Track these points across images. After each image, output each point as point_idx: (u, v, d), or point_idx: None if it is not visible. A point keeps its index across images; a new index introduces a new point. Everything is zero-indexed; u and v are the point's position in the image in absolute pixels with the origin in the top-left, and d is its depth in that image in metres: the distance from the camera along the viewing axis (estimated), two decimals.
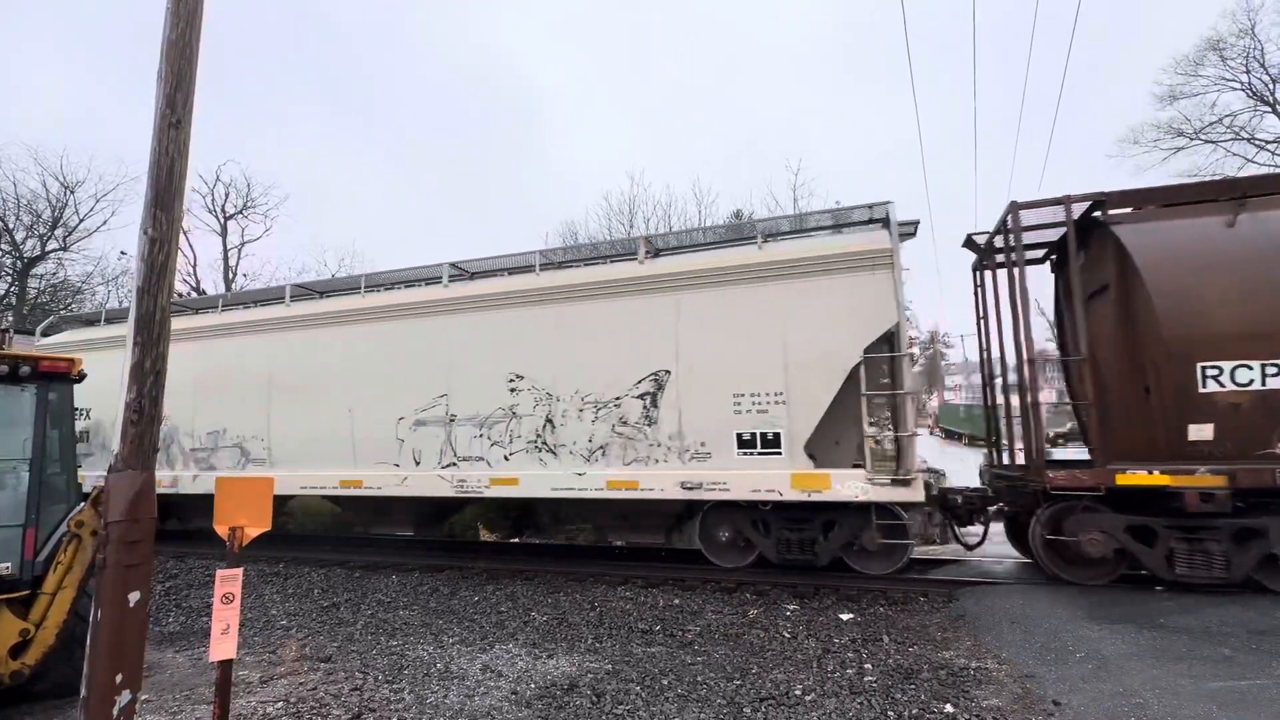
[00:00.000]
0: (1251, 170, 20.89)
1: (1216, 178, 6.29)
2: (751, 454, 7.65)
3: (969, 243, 9.11)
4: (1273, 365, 6.52)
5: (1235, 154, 22.34)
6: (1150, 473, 6.67)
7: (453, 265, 9.69)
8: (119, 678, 3.10)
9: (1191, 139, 22.86)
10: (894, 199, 7.76)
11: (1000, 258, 8.41)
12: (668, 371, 8.05)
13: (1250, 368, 6.56)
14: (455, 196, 54.30)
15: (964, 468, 12.41)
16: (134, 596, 3.19)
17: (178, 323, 10.47)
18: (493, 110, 62.97)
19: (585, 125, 58.88)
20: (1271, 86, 21.46)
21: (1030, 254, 8.29)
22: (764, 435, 7.63)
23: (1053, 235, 8.39)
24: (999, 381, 9.11)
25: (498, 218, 50.10)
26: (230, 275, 27.39)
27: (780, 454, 7.53)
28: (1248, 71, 21.78)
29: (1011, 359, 8.69)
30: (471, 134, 60.89)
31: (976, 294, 9.23)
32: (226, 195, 27.77)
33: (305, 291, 11.12)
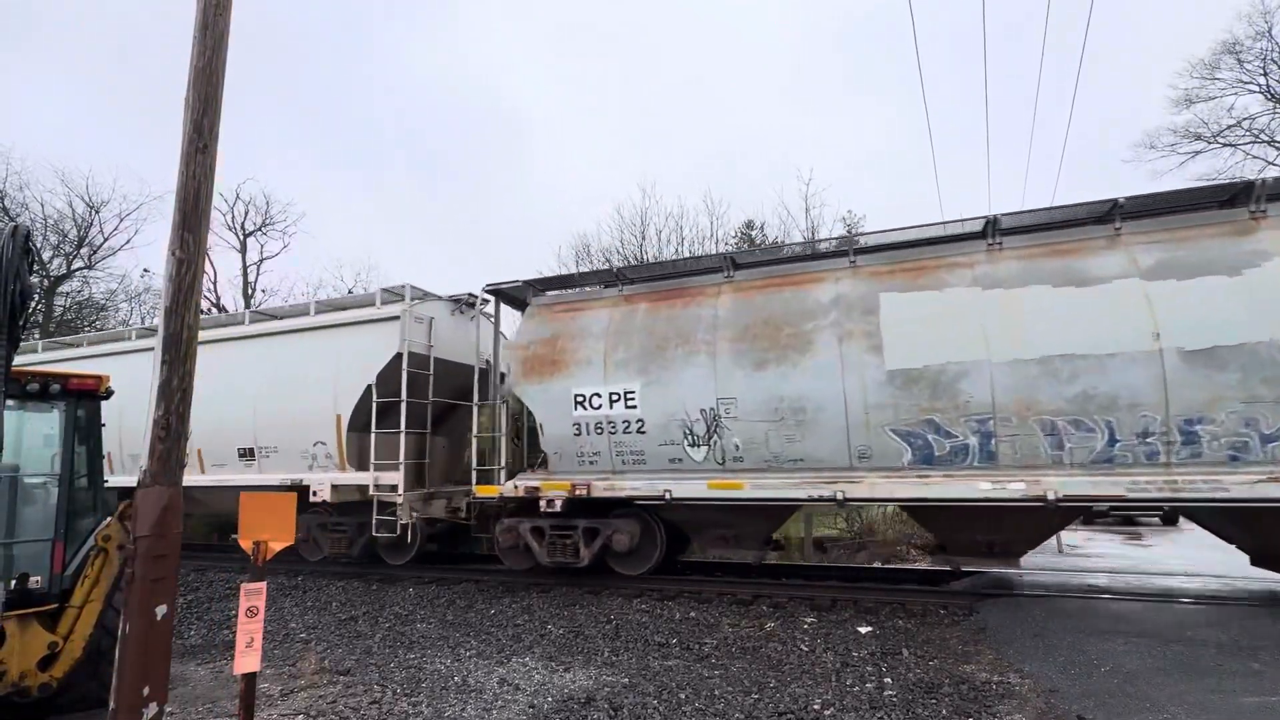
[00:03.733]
0: (1271, 173, 20.57)
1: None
2: None
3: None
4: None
5: (1255, 157, 22.04)
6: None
7: None
8: (145, 690, 3.16)
9: (1209, 142, 22.59)
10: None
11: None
12: None
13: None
14: (450, 209, 54.76)
15: None
16: (160, 610, 3.26)
17: None
18: (478, 122, 63.52)
19: (575, 135, 59.09)
20: None
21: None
22: None
23: None
24: None
25: (498, 229, 50.40)
26: (250, 291, 27.85)
27: None
28: (1265, 74, 21.52)
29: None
30: (457, 145, 61.29)
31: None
32: (246, 213, 28.29)
33: None
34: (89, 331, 24.67)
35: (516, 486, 8.60)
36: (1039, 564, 10.11)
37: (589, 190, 51.22)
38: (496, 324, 9.81)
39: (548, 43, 69.56)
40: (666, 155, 47.86)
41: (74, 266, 26.51)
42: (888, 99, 52.61)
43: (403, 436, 9.10)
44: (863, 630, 6.55)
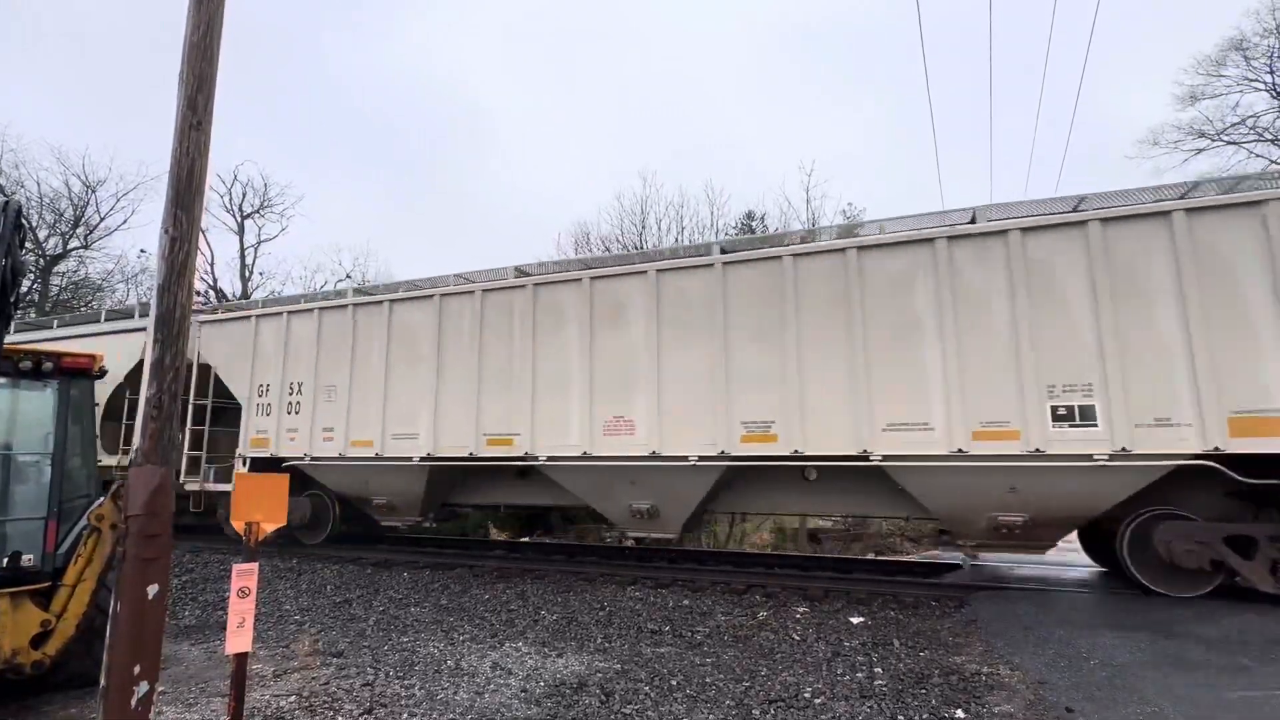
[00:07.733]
0: (1275, 170, 20.47)
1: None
2: None
3: None
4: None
5: (1259, 155, 21.95)
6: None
7: None
8: (137, 669, 3.15)
9: (1213, 140, 22.48)
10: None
11: None
12: None
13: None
14: (453, 202, 54.61)
15: None
16: (152, 589, 3.24)
17: None
18: (479, 121, 63.19)
19: (575, 135, 58.84)
20: None
21: None
22: None
23: None
24: None
25: (500, 222, 50.20)
26: (247, 274, 27.74)
27: None
28: (1271, 72, 21.39)
29: None
30: (459, 143, 60.92)
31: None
32: (244, 195, 28.13)
33: None
34: (86, 312, 24.55)
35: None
36: (1032, 559, 10.15)
37: (594, 186, 51.12)
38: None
39: (547, 43, 68.79)
40: (665, 154, 47.81)
41: (70, 246, 26.39)
42: (882, 96, 52.22)
43: None
44: (854, 620, 6.59)
